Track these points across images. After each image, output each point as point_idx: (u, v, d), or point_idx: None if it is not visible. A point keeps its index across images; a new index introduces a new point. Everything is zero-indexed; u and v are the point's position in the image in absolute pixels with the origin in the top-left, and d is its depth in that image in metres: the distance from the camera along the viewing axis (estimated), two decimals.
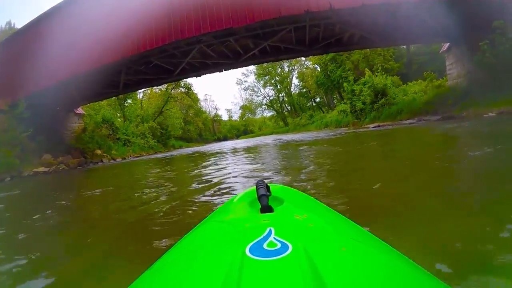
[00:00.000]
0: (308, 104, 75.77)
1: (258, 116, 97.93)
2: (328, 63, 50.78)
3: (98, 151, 27.08)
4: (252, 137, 70.28)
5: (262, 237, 0.66)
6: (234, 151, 17.74)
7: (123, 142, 35.32)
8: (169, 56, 20.76)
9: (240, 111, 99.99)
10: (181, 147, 52.32)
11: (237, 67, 24.92)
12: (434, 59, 35.71)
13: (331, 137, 17.76)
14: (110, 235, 3.42)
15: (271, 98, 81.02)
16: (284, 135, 40.26)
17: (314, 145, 13.16)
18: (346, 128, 32.03)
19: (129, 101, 51.14)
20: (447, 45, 22.81)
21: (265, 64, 69.97)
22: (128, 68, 21.53)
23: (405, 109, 24.47)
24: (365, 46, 26.24)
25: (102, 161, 25.80)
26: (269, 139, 29.34)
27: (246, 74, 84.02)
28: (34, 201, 7.59)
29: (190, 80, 73.06)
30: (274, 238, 0.65)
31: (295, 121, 64.79)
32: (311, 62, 66.16)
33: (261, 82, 78.51)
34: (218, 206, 1.68)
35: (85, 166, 22.44)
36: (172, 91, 58.42)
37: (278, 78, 75.07)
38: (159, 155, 29.29)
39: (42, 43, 20.89)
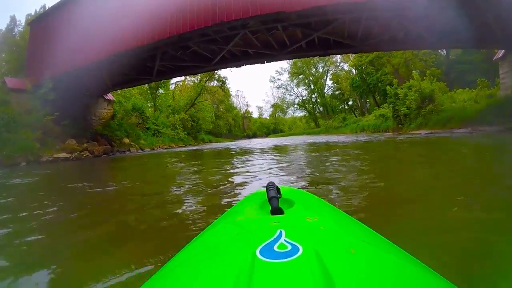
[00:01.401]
0: (340, 106, 74.39)
1: (288, 116, 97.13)
2: (368, 66, 48.76)
3: (126, 140, 25.99)
4: (282, 136, 69.47)
5: (272, 239, 0.66)
6: (273, 150, 16.54)
7: (152, 132, 34.42)
8: (209, 42, 19.04)
9: (271, 109, 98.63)
10: (210, 141, 51.37)
11: (280, 59, 23.25)
12: (475, 69, 36.07)
13: (380, 141, 16.74)
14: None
15: (303, 98, 79.61)
16: (317, 136, 39.68)
17: (366, 153, 11.69)
18: (390, 133, 30.30)
19: (161, 91, 50.02)
20: (502, 52, 21.52)
21: (299, 64, 69.58)
22: (164, 53, 19.96)
23: (456, 117, 22.80)
24: (420, 47, 24.18)
25: (129, 150, 24.78)
26: (308, 139, 28.11)
27: (280, 72, 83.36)
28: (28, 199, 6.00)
29: (224, 73, 72.39)
30: (285, 240, 0.64)
31: (327, 123, 63.20)
32: (347, 64, 65.15)
33: (295, 81, 77.13)
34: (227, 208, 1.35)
35: (110, 154, 21.28)
36: (206, 83, 56.66)
37: (312, 78, 73.45)
38: (189, 148, 28.22)
39: (73, 22, 19.89)
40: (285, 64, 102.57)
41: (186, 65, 22.74)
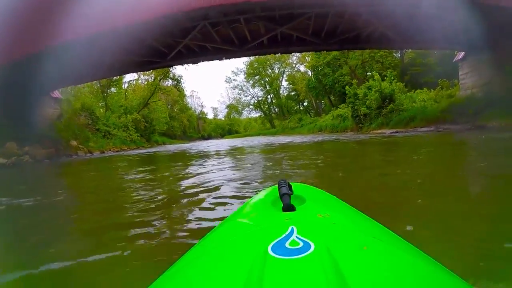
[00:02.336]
0: (296, 107, 74.44)
1: (243, 117, 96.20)
2: (324, 67, 48.54)
3: (74, 142, 23.51)
4: (238, 137, 68.05)
5: (284, 236, 0.66)
6: (234, 152, 15.55)
7: (103, 133, 31.80)
8: (165, 34, 17.27)
9: (226, 110, 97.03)
10: (164, 143, 49.12)
11: (240, 56, 22.19)
12: (429, 71, 36.66)
13: (346, 141, 16.13)
14: None
15: (259, 98, 79.12)
16: (274, 137, 39.25)
17: (340, 154, 11.00)
18: (351, 132, 29.89)
19: (113, 89, 47.30)
20: (462, 54, 21.79)
21: (256, 64, 69.07)
22: (118, 46, 18.02)
23: (418, 116, 22.70)
24: (383, 46, 23.94)
25: (77, 154, 22.23)
26: (265, 140, 27.06)
27: (236, 72, 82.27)
28: None
29: (179, 72, 70.33)
30: (297, 236, 0.64)
31: (283, 124, 63.09)
32: (303, 66, 65.31)
33: (251, 82, 76.29)
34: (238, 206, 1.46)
35: (55, 159, 18.65)
36: (161, 81, 54.16)
37: (267, 79, 73.04)
38: (142, 151, 26.02)
39: None
40: (241, 65, 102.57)
41: (140, 60, 20.73)
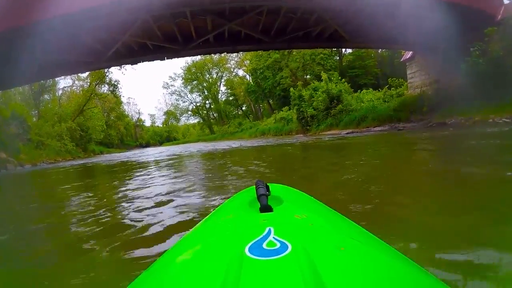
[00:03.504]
0: (234, 112, 73.25)
1: (181, 123, 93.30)
2: (265, 70, 47.62)
3: (3, 154, 20.69)
4: (177, 144, 65.46)
5: (261, 236, 0.65)
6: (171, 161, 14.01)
7: (35, 144, 28.77)
8: (102, 29, 14.42)
9: (164, 116, 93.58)
10: (102, 152, 45.67)
11: (183, 55, 20.12)
12: (367, 73, 39.74)
13: (301, 144, 15.42)
14: None
15: (197, 104, 76.64)
16: (216, 142, 37.99)
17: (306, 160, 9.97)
18: (299, 135, 28.78)
19: (46, 96, 43.48)
20: (409, 53, 22.00)
21: (193, 69, 67.37)
22: (48, 44, 15.33)
23: (370, 116, 22.22)
24: (332, 45, 23.21)
25: (6, 167, 19.51)
26: (205, 146, 25.66)
27: (174, 77, 79.23)
28: None
29: (116, 76, 66.60)
30: (274, 237, 0.64)
31: (222, 129, 61.59)
32: (241, 70, 64.73)
33: (189, 87, 73.65)
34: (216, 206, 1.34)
35: None
36: (96, 87, 50.47)
37: (206, 84, 70.87)
38: (78, 162, 23.27)
39: None
40: (179, 70, 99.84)
41: (75, 60, 17.64)
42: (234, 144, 24.44)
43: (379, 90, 27.52)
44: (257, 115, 61.85)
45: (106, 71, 48.55)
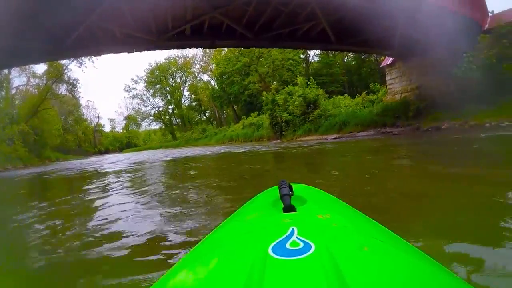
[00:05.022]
0: (197, 118, 71.20)
1: (142, 129, 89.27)
2: (233, 74, 46.15)
3: None
4: (139, 150, 62.36)
5: (285, 236, 0.65)
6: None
7: None
8: (61, 7, 11.94)
9: (124, 122, 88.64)
10: (58, 159, 41.85)
11: (154, 49, 17.64)
12: (335, 81, 40.23)
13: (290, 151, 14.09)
14: None
15: (160, 109, 73.49)
16: (177, 150, 35.98)
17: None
18: (276, 141, 26.99)
19: None
20: (390, 59, 21.61)
21: (157, 72, 65.59)
22: None
23: (351, 121, 21.26)
24: (317, 46, 21.63)
25: None
26: (172, 153, 23.86)
27: (136, 80, 74.94)
28: None
29: (75, 74, 62.97)
30: (297, 237, 0.64)
31: (186, 135, 58.94)
32: (206, 75, 63.51)
33: (151, 91, 70.33)
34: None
35: None
36: (54, 86, 46.19)
37: (169, 89, 68.21)
38: (30, 171, 20.09)
39: None
40: (141, 72, 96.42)
41: (29, 46, 14.60)
42: (205, 151, 22.66)
43: (358, 96, 26.70)
44: (221, 121, 60.19)
45: (64, 68, 45.03)
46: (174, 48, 19.30)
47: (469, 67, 15.93)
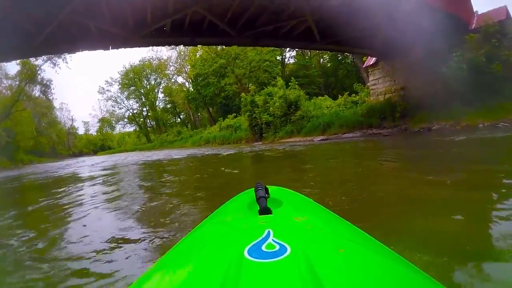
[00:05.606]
0: (172, 120, 70.06)
1: (116, 131, 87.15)
2: (209, 76, 45.04)
3: None
4: (113, 153, 60.44)
5: (260, 239, 0.64)
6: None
7: None
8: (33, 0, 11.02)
9: (98, 124, 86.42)
10: (32, 162, 40.12)
11: (131, 46, 16.28)
12: (311, 82, 39.85)
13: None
14: None
15: (134, 111, 71.74)
16: (152, 152, 34.60)
17: None
18: (258, 142, 26.17)
19: None
20: (372, 59, 21.13)
21: (131, 74, 64.32)
22: None
23: (336, 122, 20.49)
24: (300, 44, 20.60)
25: None
26: (152, 156, 22.73)
27: (110, 82, 72.68)
28: None
29: (48, 74, 60.32)
30: (273, 240, 0.63)
31: (161, 138, 57.73)
32: (181, 77, 62.22)
33: (125, 93, 68.57)
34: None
35: None
36: (27, 87, 44.48)
37: (143, 91, 66.57)
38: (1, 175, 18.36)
39: None
40: (115, 74, 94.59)
41: None
42: (182, 153, 21.66)
43: (340, 97, 26.03)
44: (196, 123, 59.21)
45: (37, 68, 43.21)
46: (152, 45, 18.26)
47: (458, 67, 15.57)
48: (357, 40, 16.51)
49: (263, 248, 0.59)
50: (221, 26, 15.33)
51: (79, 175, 12.82)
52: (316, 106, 25.10)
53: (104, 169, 14.65)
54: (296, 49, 35.27)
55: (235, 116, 36.72)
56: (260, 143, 25.20)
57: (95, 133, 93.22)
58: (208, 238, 0.82)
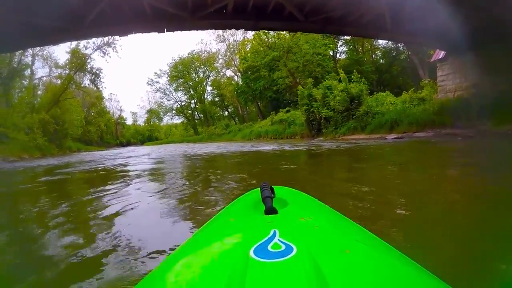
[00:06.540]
0: (219, 113, 69.93)
1: (164, 123, 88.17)
2: (261, 69, 43.80)
3: None
4: (161, 144, 60.73)
5: (266, 239, 0.65)
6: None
7: None
8: None
9: (146, 115, 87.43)
10: (79, 150, 40.72)
11: (189, 28, 15.45)
12: (364, 78, 35.24)
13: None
14: None
15: (182, 103, 71.98)
16: (203, 144, 33.85)
17: None
18: (319, 138, 24.51)
19: (19, 83, 38.08)
20: (442, 53, 19.23)
21: (180, 67, 64.50)
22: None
23: (404, 120, 18.87)
24: (368, 33, 19.11)
25: None
26: (206, 148, 22.28)
27: (159, 74, 73.36)
28: None
29: (98, 63, 61.89)
30: (279, 240, 0.64)
31: (208, 130, 57.25)
32: (229, 70, 62.02)
33: (174, 85, 68.90)
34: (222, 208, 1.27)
35: None
36: (76, 75, 44.53)
37: (191, 83, 66.68)
38: (47, 162, 17.50)
39: None
40: (164, 66, 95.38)
41: (46, 25, 12.99)
42: (242, 147, 20.49)
43: (405, 92, 23.92)
44: (243, 117, 58.69)
45: (87, 57, 43.52)
46: (211, 28, 17.29)
47: None
48: (428, 32, 14.95)
49: (269, 248, 0.59)
50: (288, 9, 14.43)
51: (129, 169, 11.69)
52: (379, 102, 23.46)
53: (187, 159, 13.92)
54: (363, 37, 31.64)
55: (288, 111, 35.57)
56: (320, 139, 23.60)
57: (143, 124, 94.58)
58: (214, 238, 0.79)
